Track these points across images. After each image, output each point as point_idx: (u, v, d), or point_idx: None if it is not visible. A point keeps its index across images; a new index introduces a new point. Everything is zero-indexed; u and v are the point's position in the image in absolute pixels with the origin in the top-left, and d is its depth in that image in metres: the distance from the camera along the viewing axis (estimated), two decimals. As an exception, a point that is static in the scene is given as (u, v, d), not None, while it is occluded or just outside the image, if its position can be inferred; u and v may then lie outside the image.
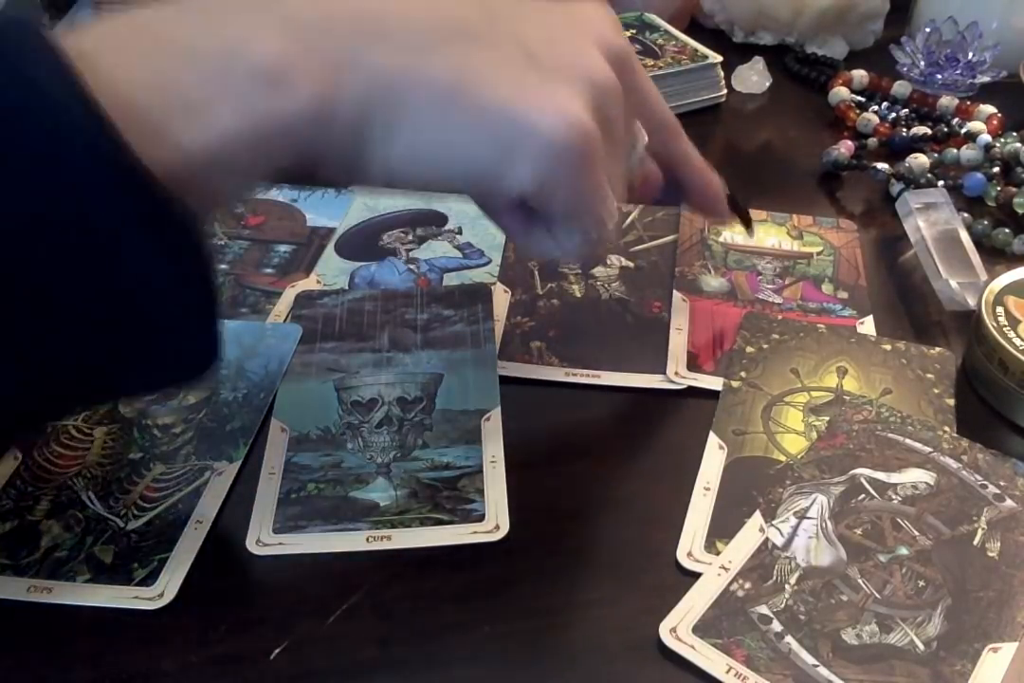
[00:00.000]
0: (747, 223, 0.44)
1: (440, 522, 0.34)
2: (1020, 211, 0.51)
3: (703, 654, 0.30)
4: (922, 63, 0.65)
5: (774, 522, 0.34)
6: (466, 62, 0.30)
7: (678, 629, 0.30)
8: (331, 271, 0.47)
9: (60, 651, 0.30)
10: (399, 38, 0.29)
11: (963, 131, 0.58)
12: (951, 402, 0.40)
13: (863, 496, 0.35)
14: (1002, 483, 0.35)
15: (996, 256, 0.49)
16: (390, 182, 0.32)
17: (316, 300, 0.44)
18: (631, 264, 0.48)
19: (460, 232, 0.50)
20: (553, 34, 0.32)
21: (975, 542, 0.33)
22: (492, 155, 0.30)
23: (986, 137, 0.56)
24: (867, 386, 0.40)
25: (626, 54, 0.33)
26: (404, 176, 0.31)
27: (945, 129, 0.59)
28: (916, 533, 0.33)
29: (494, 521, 0.34)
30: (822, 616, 0.31)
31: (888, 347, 0.42)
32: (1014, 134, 0.56)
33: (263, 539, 0.33)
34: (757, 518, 0.34)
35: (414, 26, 0.29)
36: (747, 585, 0.32)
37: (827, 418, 0.38)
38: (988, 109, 0.60)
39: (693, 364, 0.41)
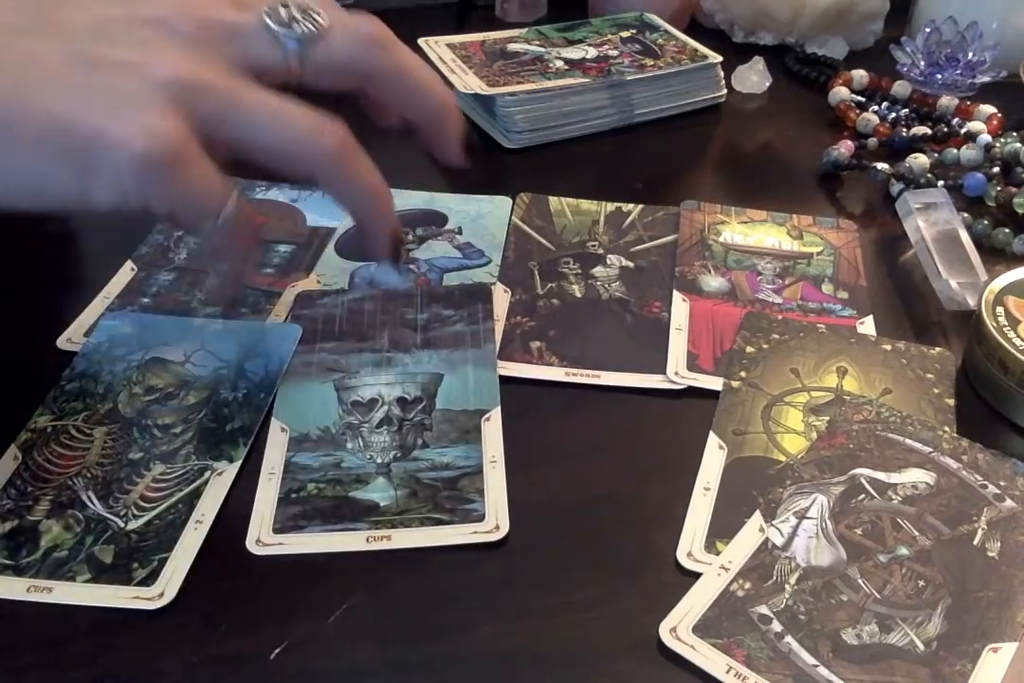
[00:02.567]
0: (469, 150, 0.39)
1: (440, 522, 0.34)
2: (1020, 211, 0.51)
3: (703, 654, 0.30)
4: (922, 63, 0.65)
5: (774, 522, 0.34)
6: (10, 64, 0.29)
7: (678, 629, 0.30)
8: (331, 271, 0.47)
9: (60, 651, 0.30)
10: None
11: (963, 131, 0.58)
12: (951, 402, 0.40)
13: (863, 496, 0.35)
14: (1002, 483, 0.35)
15: (996, 256, 0.49)
16: None
17: (316, 300, 0.44)
18: (631, 264, 0.48)
19: (460, 232, 0.50)
20: (111, 26, 0.31)
21: (975, 542, 0.33)
22: (65, 174, 0.29)
23: (986, 137, 0.56)
24: (867, 386, 0.40)
25: (222, 33, 0.32)
26: None
27: (945, 129, 0.58)
28: (916, 533, 0.33)
29: (494, 521, 0.34)
30: (822, 616, 0.31)
31: (888, 347, 0.42)
32: (1014, 134, 0.56)
33: (263, 539, 0.33)
34: (757, 518, 0.34)
35: None
36: (747, 585, 0.32)
37: (827, 418, 0.38)
38: (988, 109, 0.60)
39: (693, 364, 0.41)
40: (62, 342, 0.41)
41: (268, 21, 0.32)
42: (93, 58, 0.30)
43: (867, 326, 0.44)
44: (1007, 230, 0.49)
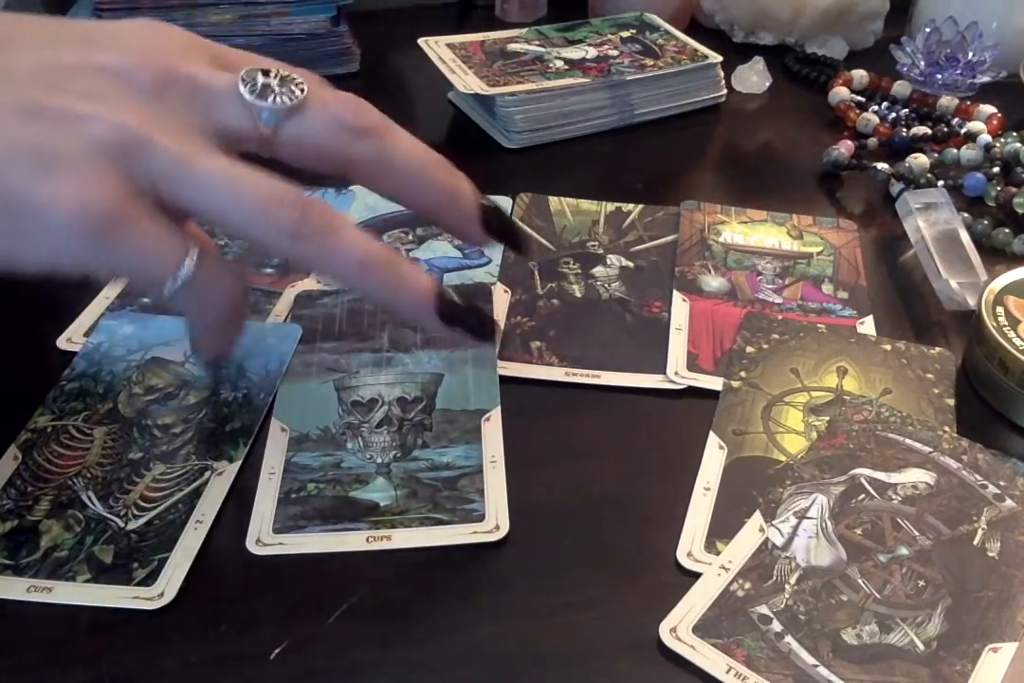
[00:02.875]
0: (515, 245, 0.37)
1: (440, 522, 0.34)
2: (1020, 211, 0.51)
3: (703, 654, 0.30)
4: (922, 63, 0.65)
5: (774, 522, 0.34)
6: None
7: (678, 629, 0.30)
8: (331, 271, 0.47)
9: (60, 651, 0.30)
10: None
11: (963, 131, 0.58)
12: (951, 402, 0.40)
13: (863, 496, 0.35)
14: (1002, 483, 0.35)
15: (996, 256, 0.49)
16: None
17: (316, 300, 0.44)
18: (631, 264, 0.48)
19: (460, 232, 0.50)
20: (59, 73, 0.28)
21: (975, 542, 0.33)
22: None
23: (986, 137, 0.56)
24: (867, 386, 0.40)
25: (185, 85, 0.29)
26: None
27: (945, 129, 0.58)
28: (916, 533, 0.33)
29: (494, 521, 0.34)
30: (822, 616, 0.31)
31: (888, 347, 0.42)
32: (1014, 134, 0.56)
33: (263, 539, 0.33)
34: (757, 518, 0.34)
35: None
36: (747, 585, 0.32)
37: (827, 418, 0.38)
38: (988, 109, 0.60)
39: (693, 364, 0.41)
40: (62, 342, 0.41)
41: (241, 88, 0.29)
42: (30, 107, 0.27)
43: (867, 326, 0.44)
44: (1007, 230, 0.49)
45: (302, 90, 0.30)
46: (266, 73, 0.30)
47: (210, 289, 0.30)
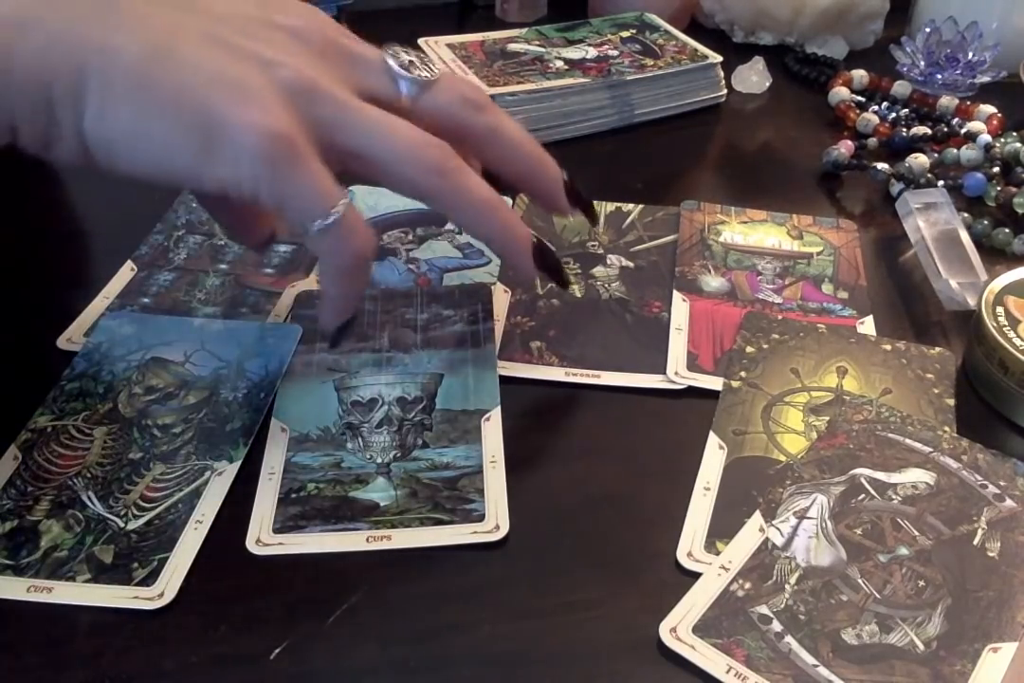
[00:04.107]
0: (591, 215, 0.42)
1: (440, 522, 0.34)
2: (1020, 211, 0.51)
3: (703, 654, 0.30)
4: (922, 63, 0.65)
5: (774, 522, 0.34)
6: (156, 35, 0.30)
7: (678, 629, 0.30)
8: (331, 271, 0.47)
9: (60, 651, 0.30)
10: (86, 1, 0.30)
11: (963, 131, 0.58)
12: (951, 402, 0.40)
13: (863, 496, 0.35)
14: (1002, 483, 0.35)
15: (996, 256, 0.49)
16: (89, 162, 0.32)
17: (316, 300, 0.44)
18: (631, 264, 0.48)
19: (460, 232, 0.50)
20: (248, 22, 0.33)
21: (975, 542, 0.33)
22: (187, 148, 0.30)
23: (986, 137, 0.56)
24: (867, 386, 0.40)
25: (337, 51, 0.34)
26: (100, 156, 0.31)
27: (945, 129, 0.58)
28: (916, 533, 0.33)
29: (494, 521, 0.34)
30: (822, 616, 0.31)
31: (888, 347, 0.42)
32: (1014, 134, 0.56)
33: (263, 539, 0.33)
34: (757, 518, 0.34)
35: None
36: (747, 585, 0.32)
37: (827, 418, 0.38)
38: (988, 109, 0.60)
39: (693, 364, 0.41)
40: (62, 342, 0.41)
41: (390, 60, 0.34)
42: (229, 43, 0.31)
43: (867, 326, 0.44)
44: (1007, 230, 0.49)
45: (437, 68, 0.35)
46: (406, 51, 0.35)
47: (351, 233, 0.33)
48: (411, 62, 0.35)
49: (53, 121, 0.30)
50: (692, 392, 0.40)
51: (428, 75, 0.35)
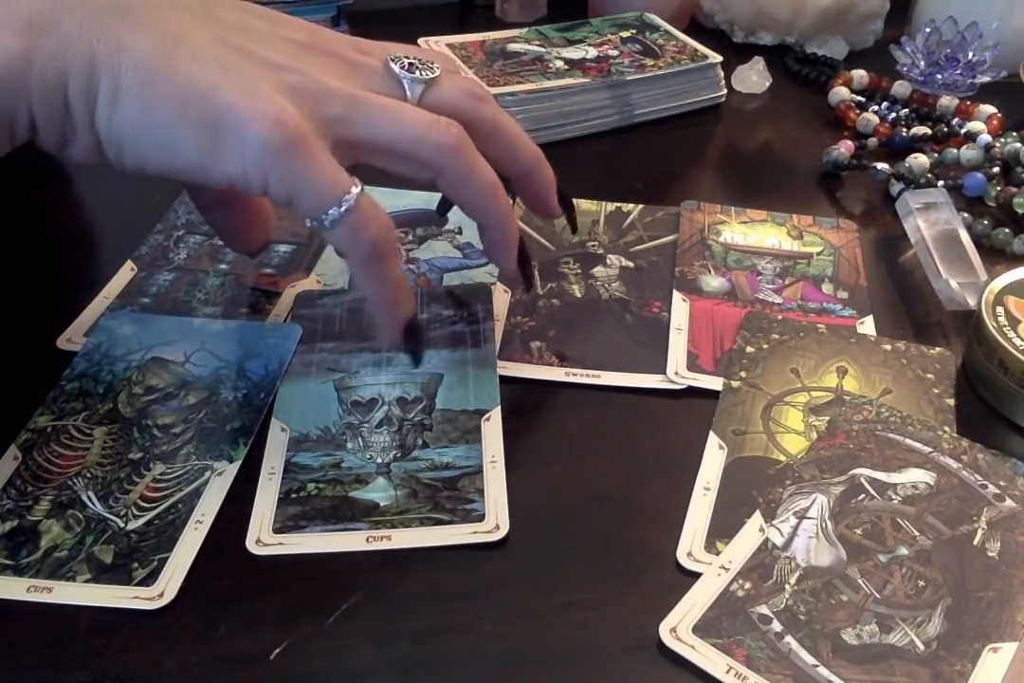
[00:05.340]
0: (572, 222, 0.43)
1: (440, 522, 0.34)
2: (1020, 211, 0.51)
3: (703, 654, 0.30)
4: (922, 63, 0.65)
5: (774, 522, 0.34)
6: (167, 33, 0.31)
7: (678, 629, 0.30)
8: (331, 271, 0.47)
9: (60, 651, 0.30)
10: (100, 1, 0.31)
11: (963, 131, 0.58)
12: (951, 402, 0.40)
13: (863, 496, 0.35)
14: (1002, 483, 0.35)
15: (996, 256, 0.49)
16: (101, 158, 0.33)
17: (316, 300, 0.44)
18: (631, 264, 0.48)
19: (460, 232, 0.50)
20: (255, 32, 0.34)
21: (975, 542, 0.33)
22: (194, 141, 0.31)
23: (986, 137, 0.56)
24: (867, 386, 0.40)
25: (341, 53, 0.35)
26: (111, 151, 0.32)
27: (945, 129, 0.59)
28: (916, 533, 0.33)
29: (494, 521, 0.34)
30: (822, 616, 0.31)
31: (888, 347, 0.42)
32: (1014, 134, 0.56)
33: (263, 539, 0.33)
34: (757, 518, 0.34)
35: None
36: (747, 585, 0.32)
37: (827, 418, 0.38)
38: (988, 109, 0.60)
39: (693, 364, 0.41)
40: (62, 342, 0.41)
41: (392, 64, 0.35)
42: (239, 47, 0.32)
43: (867, 326, 0.44)
44: (1007, 230, 0.49)
45: (437, 67, 0.36)
46: (407, 55, 0.36)
47: (367, 221, 0.33)
48: (411, 64, 0.35)
49: (69, 119, 0.31)
50: (692, 392, 0.40)
51: (430, 74, 0.35)
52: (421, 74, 0.35)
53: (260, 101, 0.31)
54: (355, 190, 0.32)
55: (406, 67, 0.35)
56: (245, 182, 0.32)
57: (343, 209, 0.32)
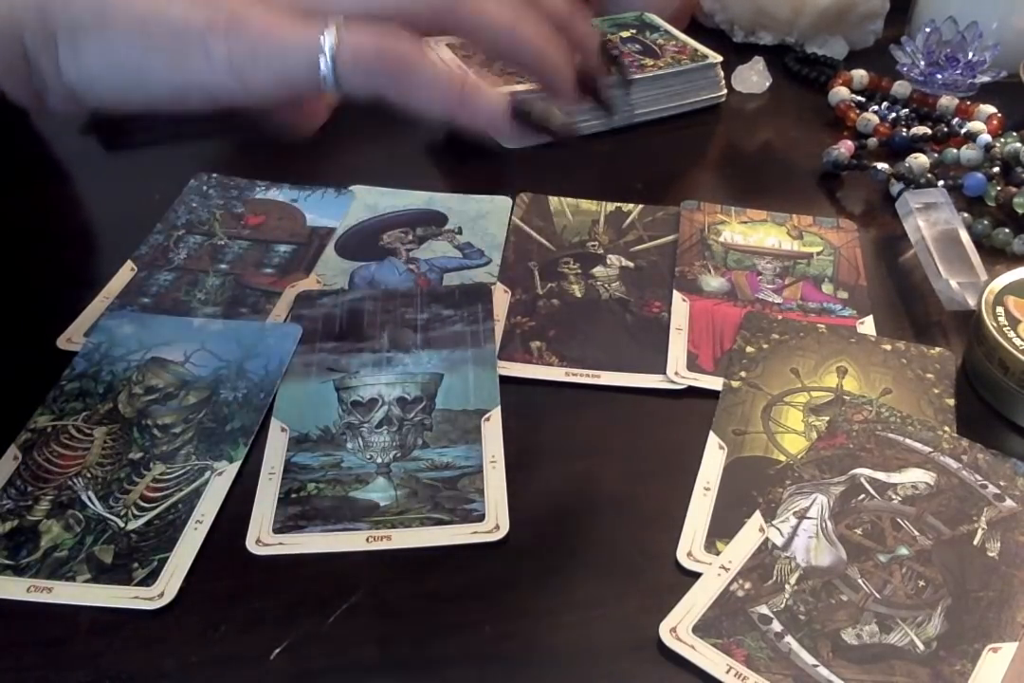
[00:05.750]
0: (621, 70, 0.39)
1: (440, 522, 0.34)
2: (1020, 211, 0.51)
3: (703, 654, 0.30)
4: (922, 63, 0.65)
5: (774, 522, 0.34)
6: None
7: (678, 629, 0.30)
8: (331, 271, 0.47)
9: (60, 651, 0.30)
10: None
11: (963, 131, 0.58)
12: (951, 402, 0.40)
13: (863, 496, 0.35)
14: (1002, 483, 0.35)
15: (996, 256, 0.49)
16: (81, 105, 0.32)
17: (316, 300, 0.44)
18: (631, 264, 0.48)
19: (460, 232, 0.50)
20: None
21: (975, 542, 0.33)
22: (168, 64, 0.30)
23: (986, 137, 0.56)
24: (867, 386, 0.40)
25: None
26: (88, 96, 0.32)
27: (945, 129, 0.58)
28: (916, 533, 0.33)
29: (494, 521, 0.34)
30: (822, 616, 0.31)
31: (888, 347, 0.42)
32: (1014, 134, 0.56)
33: (263, 539, 0.33)
34: (757, 518, 0.34)
35: None
36: (747, 585, 0.32)
37: (827, 418, 0.38)
38: (988, 109, 0.60)
39: (693, 364, 0.41)
40: (62, 342, 0.41)
41: None
42: None
43: (867, 326, 0.44)
44: (1007, 230, 0.49)
45: None
46: None
47: (363, 46, 0.30)
48: None
49: (36, 71, 0.31)
50: (692, 392, 0.40)
51: None
52: None
53: (207, 9, 0.30)
54: (331, 28, 0.29)
55: None
56: (227, 90, 0.30)
57: (327, 50, 0.29)
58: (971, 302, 0.43)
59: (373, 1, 0.31)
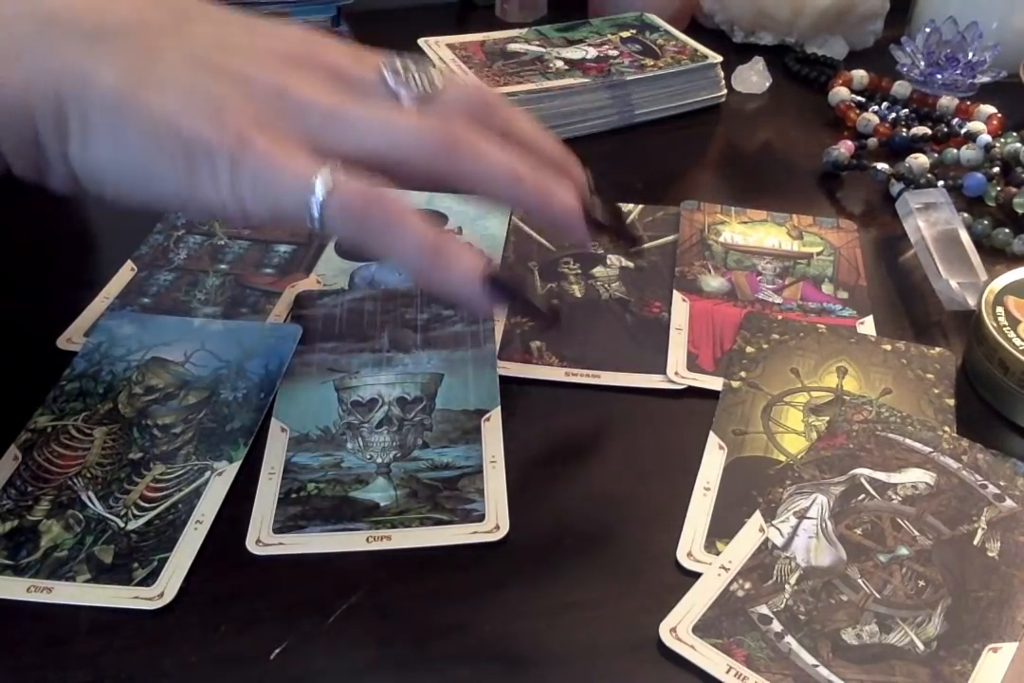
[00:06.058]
0: (630, 239, 0.39)
1: (440, 522, 0.34)
2: (1020, 211, 0.51)
3: (703, 654, 0.30)
4: (922, 63, 0.65)
5: (774, 522, 0.34)
6: (137, 60, 0.30)
7: (678, 629, 0.30)
8: (331, 271, 0.47)
9: (60, 651, 0.30)
10: (68, 29, 0.30)
11: (963, 131, 0.58)
12: (951, 402, 0.40)
13: (863, 496, 0.35)
14: (1002, 483, 0.35)
15: (996, 256, 0.49)
16: (81, 189, 0.32)
17: (316, 300, 0.44)
18: (631, 264, 0.48)
19: (460, 232, 0.50)
20: (234, 45, 0.32)
21: (975, 542, 0.33)
22: (175, 173, 0.30)
23: (986, 137, 0.56)
24: (867, 386, 0.40)
25: (332, 68, 0.33)
26: (90, 184, 0.32)
27: (945, 129, 0.59)
28: (916, 533, 0.33)
29: (494, 521, 0.34)
30: (822, 616, 0.31)
31: (888, 347, 0.42)
32: (1014, 134, 0.56)
33: (263, 539, 0.33)
34: (757, 518, 0.34)
35: (86, 18, 0.30)
36: (747, 585, 0.32)
37: (827, 418, 0.38)
38: (988, 109, 0.60)
39: (693, 364, 0.41)
40: (62, 342, 0.41)
41: (387, 75, 0.33)
42: (211, 65, 0.31)
43: (867, 326, 0.44)
44: (1007, 230, 0.49)
45: (438, 77, 0.33)
46: (405, 64, 0.33)
47: (351, 198, 0.30)
48: (410, 75, 0.33)
49: (41, 151, 0.31)
50: (692, 392, 0.40)
51: (429, 87, 0.33)
52: (418, 83, 0.33)
53: (225, 124, 0.30)
54: (325, 171, 0.30)
55: (404, 80, 0.33)
56: (223, 208, 0.31)
57: (318, 195, 0.29)
58: (971, 302, 0.43)
59: (375, 148, 0.31)
